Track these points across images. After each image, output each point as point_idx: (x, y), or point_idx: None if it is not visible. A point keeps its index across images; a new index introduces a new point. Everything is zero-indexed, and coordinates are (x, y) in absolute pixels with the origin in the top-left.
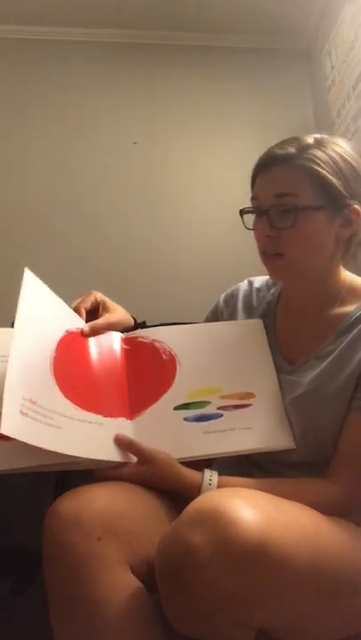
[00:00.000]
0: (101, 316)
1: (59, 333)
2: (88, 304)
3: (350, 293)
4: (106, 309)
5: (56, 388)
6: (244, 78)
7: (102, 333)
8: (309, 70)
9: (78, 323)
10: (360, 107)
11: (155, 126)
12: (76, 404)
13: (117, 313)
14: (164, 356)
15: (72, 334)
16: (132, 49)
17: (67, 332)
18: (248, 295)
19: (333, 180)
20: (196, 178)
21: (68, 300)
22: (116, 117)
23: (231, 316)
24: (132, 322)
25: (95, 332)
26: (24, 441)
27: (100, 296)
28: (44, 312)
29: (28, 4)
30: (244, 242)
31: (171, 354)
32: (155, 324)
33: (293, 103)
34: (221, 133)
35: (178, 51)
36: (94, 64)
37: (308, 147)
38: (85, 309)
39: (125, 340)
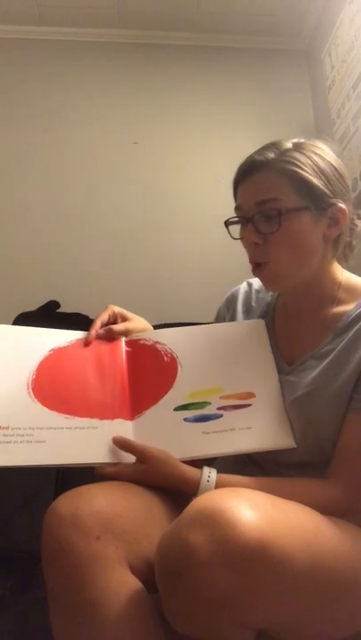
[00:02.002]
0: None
1: (38, 356)
2: (105, 317)
3: (348, 292)
4: (125, 319)
5: (37, 405)
6: (244, 78)
7: (118, 338)
8: (309, 70)
9: (68, 337)
10: (360, 107)
11: (155, 126)
12: (67, 412)
13: (137, 322)
14: (165, 358)
15: (61, 349)
16: (133, 49)
17: (52, 350)
18: (247, 296)
19: (314, 180)
20: (197, 178)
21: (66, 296)
22: (116, 117)
23: (232, 319)
24: (152, 330)
25: (110, 336)
26: (3, 465)
27: (117, 309)
28: (4, 350)
29: (28, 3)
30: None
31: (172, 355)
32: (155, 324)
33: (293, 103)
34: (221, 133)
35: (178, 51)
36: (94, 64)
37: (287, 150)
38: (102, 322)
39: (128, 343)
